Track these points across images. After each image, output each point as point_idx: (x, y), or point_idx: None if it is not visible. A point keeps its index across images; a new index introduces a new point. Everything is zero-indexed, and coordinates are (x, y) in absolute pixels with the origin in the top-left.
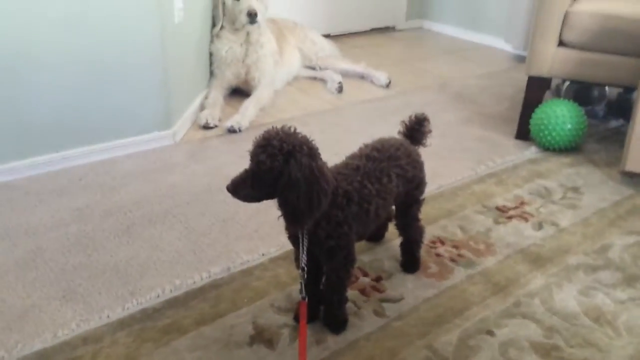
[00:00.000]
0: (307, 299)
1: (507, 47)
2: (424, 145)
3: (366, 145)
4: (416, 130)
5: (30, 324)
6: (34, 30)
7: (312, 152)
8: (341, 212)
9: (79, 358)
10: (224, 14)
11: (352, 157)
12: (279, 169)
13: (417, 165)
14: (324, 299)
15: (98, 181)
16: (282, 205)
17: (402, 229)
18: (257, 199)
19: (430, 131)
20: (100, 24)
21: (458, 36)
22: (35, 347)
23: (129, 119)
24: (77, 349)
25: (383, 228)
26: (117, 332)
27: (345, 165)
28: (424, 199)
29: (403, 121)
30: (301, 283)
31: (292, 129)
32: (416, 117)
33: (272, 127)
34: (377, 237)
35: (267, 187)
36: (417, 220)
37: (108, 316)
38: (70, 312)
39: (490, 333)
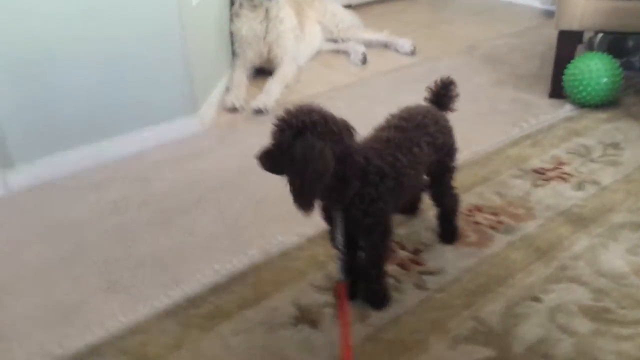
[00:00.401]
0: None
1: (535, 3)
2: (451, 110)
3: (393, 116)
4: (442, 95)
5: (79, 318)
6: (54, 26)
7: (325, 133)
8: (375, 189)
9: (129, 349)
10: None
11: (381, 128)
12: (286, 145)
13: (446, 131)
14: (363, 275)
15: (131, 173)
16: (288, 182)
17: (437, 199)
18: (277, 172)
19: (457, 95)
20: (117, 14)
21: None
22: (87, 341)
23: (155, 106)
24: (126, 340)
25: (417, 199)
26: (163, 321)
27: (375, 138)
28: (456, 166)
29: (428, 87)
30: (339, 264)
31: (316, 108)
32: (442, 81)
33: (299, 104)
34: (411, 209)
35: (277, 161)
36: (451, 188)
37: (153, 305)
38: (117, 304)
39: (536, 299)
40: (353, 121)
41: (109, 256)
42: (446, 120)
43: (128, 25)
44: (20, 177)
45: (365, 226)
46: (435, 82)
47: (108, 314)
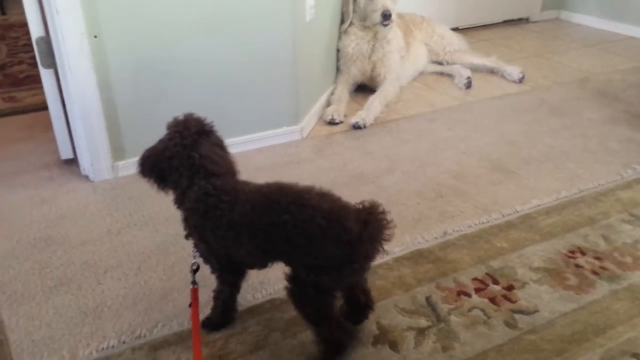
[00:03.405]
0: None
1: None
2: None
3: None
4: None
5: (169, 306)
6: (179, 33)
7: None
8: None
9: (213, 342)
10: (354, 11)
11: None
12: None
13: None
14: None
15: None
16: None
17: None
18: None
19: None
20: (236, 26)
21: (599, 27)
22: (174, 329)
23: (260, 115)
24: (211, 334)
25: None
26: (247, 320)
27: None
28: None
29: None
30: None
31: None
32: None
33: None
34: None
35: None
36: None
37: (239, 303)
38: (205, 297)
39: (637, 356)
40: (451, 145)
41: None
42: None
43: (245, 37)
44: (129, 167)
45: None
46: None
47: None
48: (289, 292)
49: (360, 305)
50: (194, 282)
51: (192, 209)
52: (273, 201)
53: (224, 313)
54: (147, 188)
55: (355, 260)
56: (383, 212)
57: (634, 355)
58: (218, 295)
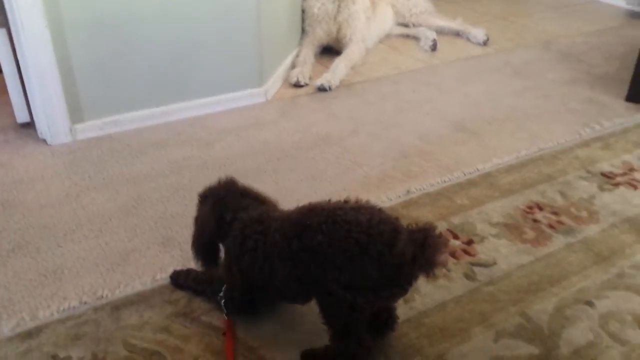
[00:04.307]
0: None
1: (620, 3)
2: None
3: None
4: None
5: (131, 267)
6: None
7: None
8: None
9: (176, 301)
10: None
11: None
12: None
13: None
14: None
15: (194, 136)
16: None
17: None
18: None
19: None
20: None
21: None
22: (136, 289)
23: (223, 76)
24: (175, 292)
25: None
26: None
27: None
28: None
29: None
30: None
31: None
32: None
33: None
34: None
35: None
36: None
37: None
38: (168, 258)
39: (589, 304)
40: (415, 107)
41: (166, 212)
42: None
43: None
44: (88, 130)
45: None
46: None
47: (159, 265)
48: (320, 304)
49: (383, 319)
50: (227, 315)
51: (233, 238)
52: (304, 225)
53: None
54: (106, 151)
55: (401, 285)
56: (440, 235)
57: (587, 302)
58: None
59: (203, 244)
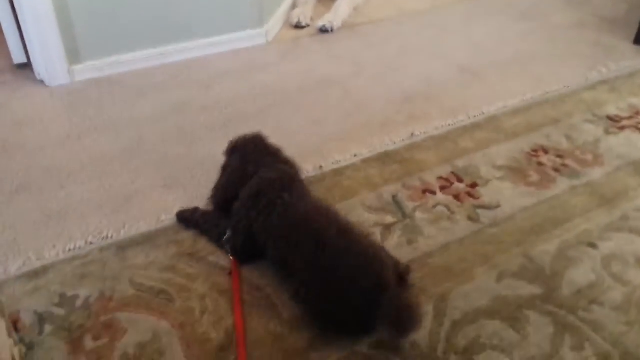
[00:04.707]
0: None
1: None
2: None
3: None
4: None
5: (135, 208)
6: None
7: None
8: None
9: (182, 241)
10: None
11: None
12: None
13: None
14: None
15: (194, 78)
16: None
17: None
18: None
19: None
20: None
21: None
22: (141, 229)
23: (223, 16)
24: (179, 232)
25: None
26: None
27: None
28: None
29: None
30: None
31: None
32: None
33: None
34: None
35: None
36: None
37: (207, 205)
38: (172, 199)
39: (592, 246)
40: (420, 49)
41: (167, 153)
42: None
43: None
44: (86, 71)
45: None
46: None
47: (163, 207)
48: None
49: None
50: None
51: (249, 190)
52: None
53: None
54: (106, 93)
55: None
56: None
57: (590, 244)
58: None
59: (226, 194)
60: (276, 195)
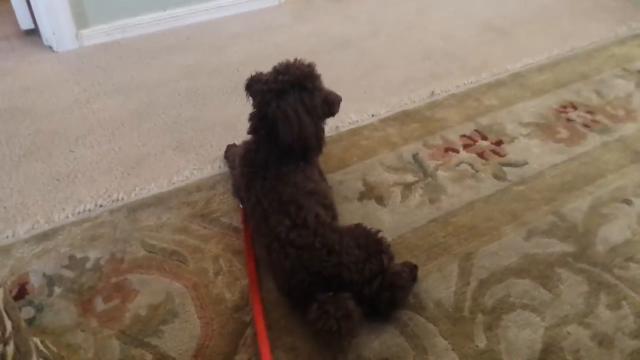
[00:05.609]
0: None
1: None
2: None
3: None
4: None
5: (146, 170)
6: None
7: None
8: None
9: (194, 203)
10: None
11: None
12: None
13: None
14: None
15: (205, 40)
16: None
17: None
18: None
19: None
20: None
21: None
22: (153, 191)
23: None
24: (192, 194)
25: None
26: (229, 181)
27: None
28: None
29: None
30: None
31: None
32: None
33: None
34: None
35: None
36: None
37: (220, 167)
38: (184, 161)
39: (627, 202)
40: (439, 6)
41: (179, 116)
42: None
43: None
44: (94, 35)
45: None
46: None
47: (175, 169)
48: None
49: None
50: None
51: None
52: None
53: None
54: (114, 57)
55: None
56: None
57: (625, 200)
58: None
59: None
60: None
